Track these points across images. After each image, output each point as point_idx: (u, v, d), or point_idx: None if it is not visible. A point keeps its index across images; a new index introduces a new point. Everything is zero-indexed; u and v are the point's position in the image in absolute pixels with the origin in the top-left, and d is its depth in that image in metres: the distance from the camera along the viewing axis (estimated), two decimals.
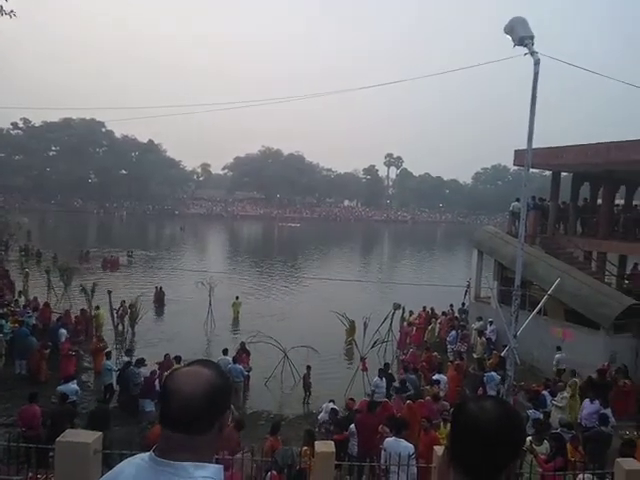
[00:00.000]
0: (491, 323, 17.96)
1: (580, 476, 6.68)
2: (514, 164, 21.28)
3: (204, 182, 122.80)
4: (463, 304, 21.87)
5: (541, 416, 10.21)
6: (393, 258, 56.27)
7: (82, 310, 18.20)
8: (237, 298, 22.45)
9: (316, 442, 5.66)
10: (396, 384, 12.51)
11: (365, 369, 14.33)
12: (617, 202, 21.12)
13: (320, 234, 76.99)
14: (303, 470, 6.40)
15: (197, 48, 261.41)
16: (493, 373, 13.21)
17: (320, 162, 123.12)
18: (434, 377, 13.14)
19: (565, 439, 7.94)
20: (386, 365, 13.84)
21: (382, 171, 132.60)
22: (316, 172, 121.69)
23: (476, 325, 18.62)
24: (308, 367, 14.13)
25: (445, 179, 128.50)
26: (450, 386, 13.38)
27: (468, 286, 21.78)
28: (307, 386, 13.98)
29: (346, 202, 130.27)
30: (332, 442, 5.70)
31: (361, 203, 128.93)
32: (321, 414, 11.43)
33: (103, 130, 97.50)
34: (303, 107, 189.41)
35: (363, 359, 14.56)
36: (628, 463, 5.47)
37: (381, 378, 12.41)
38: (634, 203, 21.13)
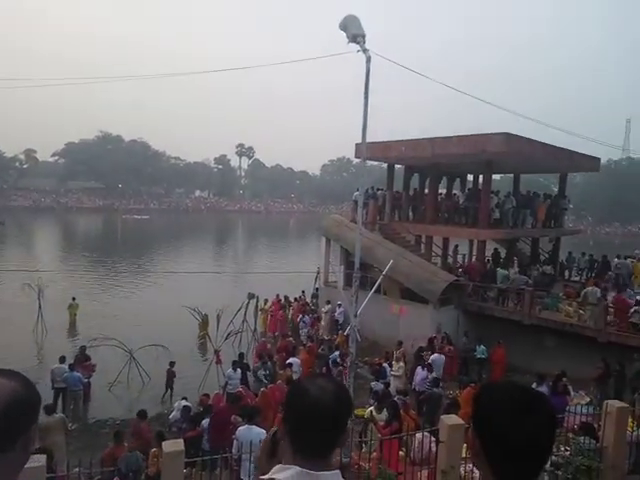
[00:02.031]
0: (340, 305, 19.06)
1: (417, 435, 7.51)
2: (355, 157, 22.77)
3: (29, 170, 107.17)
4: (316, 289, 22.85)
5: (382, 387, 11.22)
6: (247, 248, 56.29)
7: None
8: (74, 299, 20.30)
9: (164, 442, 5.39)
10: (263, 372, 12.70)
11: (219, 362, 14.15)
12: (440, 191, 24.01)
13: (170, 226, 73.44)
14: (157, 473, 6.08)
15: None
16: (337, 352, 14.14)
17: (167, 150, 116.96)
18: (288, 361, 13.54)
19: (399, 405, 8.84)
20: (241, 355, 13.84)
21: (234, 161, 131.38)
22: (163, 161, 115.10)
23: (325, 308, 19.61)
24: (171, 363, 13.66)
25: (296, 170, 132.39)
26: (303, 368, 13.92)
27: (318, 272, 22.82)
28: (171, 381, 13.54)
29: (197, 192, 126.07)
30: (181, 440, 5.48)
31: (213, 193, 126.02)
32: (173, 413, 11.02)
33: None
34: (146, 91, 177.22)
35: (217, 352, 14.35)
36: (450, 419, 6.25)
37: (234, 369, 12.36)
38: (453, 192, 24.20)
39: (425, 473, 6.50)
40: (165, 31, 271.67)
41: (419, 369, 12.98)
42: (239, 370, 12.45)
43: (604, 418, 6.63)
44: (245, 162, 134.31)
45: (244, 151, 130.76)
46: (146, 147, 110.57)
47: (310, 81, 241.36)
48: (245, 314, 17.70)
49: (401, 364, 13.34)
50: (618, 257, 20.70)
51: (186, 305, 17.34)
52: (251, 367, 13.64)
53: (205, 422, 8.83)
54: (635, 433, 7.27)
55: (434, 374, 12.40)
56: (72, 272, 31.07)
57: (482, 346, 15.13)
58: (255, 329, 18.95)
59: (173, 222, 79.04)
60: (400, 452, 7.50)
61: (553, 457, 5.71)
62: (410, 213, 22.64)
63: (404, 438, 7.66)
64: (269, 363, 13.35)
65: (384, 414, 8.54)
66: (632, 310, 14.18)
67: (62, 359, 12.74)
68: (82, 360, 13.46)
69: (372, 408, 8.75)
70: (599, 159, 23.48)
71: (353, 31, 5.84)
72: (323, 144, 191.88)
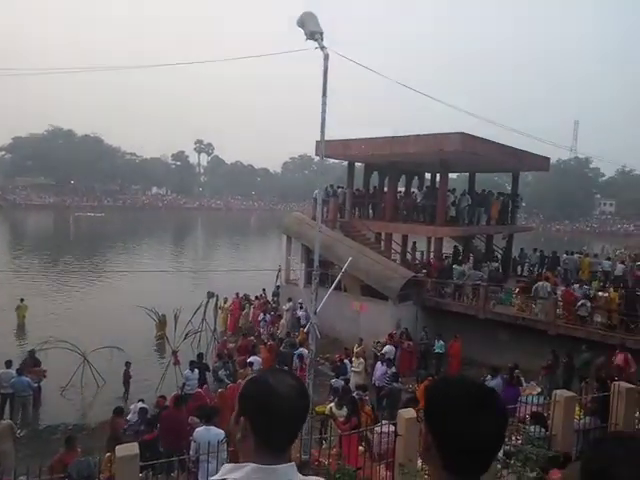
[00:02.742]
0: (301, 303, 19.05)
1: (376, 428, 7.60)
2: (316, 154, 22.76)
3: None
4: (278, 287, 22.76)
5: (342, 383, 11.30)
6: (207, 246, 55.39)
7: None
8: (22, 301, 19.38)
9: (117, 447, 5.23)
10: (224, 372, 12.58)
11: (177, 362, 13.87)
12: (399, 189, 24.38)
13: (126, 224, 71.27)
14: (110, 478, 5.91)
15: None
16: (302, 349, 14.15)
17: (122, 146, 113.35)
18: (249, 359, 13.44)
19: (358, 401, 8.94)
20: (200, 355, 13.62)
21: (192, 158, 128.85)
22: (117, 156, 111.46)
23: (286, 306, 19.56)
24: (127, 363, 13.53)
25: (256, 167, 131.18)
26: (264, 367, 13.85)
27: (279, 270, 22.73)
28: (127, 382, 13.40)
29: (154, 189, 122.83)
30: (136, 444, 5.34)
31: (171, 190, 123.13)
32: (129, 415, 10.72)
33: None
34: (99, 84, 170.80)
35: (175, 353, 14.08)
36: (408, 413, 6.38)
37: (192, 370, 12.15)
38: (412, 190, 24.61)
39: (384, 467, 6.60)
40: (121, 21, 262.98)
41: (379, 364, 13.16)
42: (197, 370, 12.23)
43: (553, 407, 6.93)
44: (204, 159, 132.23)
45: (203, 147, 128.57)
46: (99, 142, 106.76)
47: (271, 77, 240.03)
48: (204, 313, 17.41)
49: (361, 360, 13.49)
50: (566, 253, 21.69)
51: (142, 305, 16.91)
52: (210, 367, 13.45)
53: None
54: (582, 421, 7.63)
55: (393, 369, 12.60)
56: (21, 272, 29.68)
57: (441, 341, 15.48)
58: (215, 328, 18.67)
59: (129, 220, 76.77)
60: (360, 447, 7.58)
61: (506, 447, 5.93)
62: (370, 211, 22.86)
63: (363, 433, 7.76)
64: (230, 363, 13.20)
65: (344, 410, 8.61)
66: (579, 303, 14.87)
67: (8, 363, 12.18)
68: (31, 364, 12.89)
69: (332, 404, 8.80)
70: (549, 159, 24.47)
71: (311, 28, 5.83)
72: (285, 141, 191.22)
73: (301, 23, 5.87)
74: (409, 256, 24.07)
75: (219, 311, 19.94)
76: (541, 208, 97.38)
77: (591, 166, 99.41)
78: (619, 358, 12.33)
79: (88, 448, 8.99)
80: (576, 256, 21.18)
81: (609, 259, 22.27)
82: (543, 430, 6.88)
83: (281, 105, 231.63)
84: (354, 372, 13.21)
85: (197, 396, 10.18)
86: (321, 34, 5.88)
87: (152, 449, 7.79)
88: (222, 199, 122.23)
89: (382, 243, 22.18)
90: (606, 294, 15.34)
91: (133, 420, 10.38)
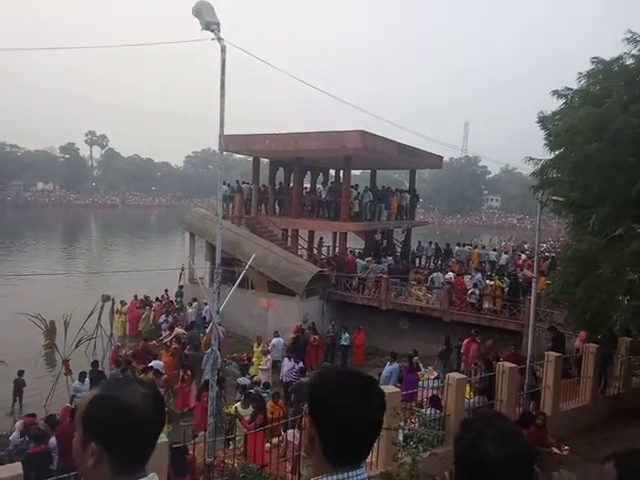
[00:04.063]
0: (207, 303, 18.51)
1: (289, 431, 7.61)
2: (218, 149, 22.22)
3: None
4: (181, 287, 21.91)
5: (249, 382, 11.19)
6: (102, 246, 51.74)
7: None
8: None
9: None
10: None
11: (69, 372, 12.82)
12: (305, 185, 24.64)
13: (7, 223, 64.29)
14: None
15: None
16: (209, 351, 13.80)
17: (1, 137, 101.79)
18: (150, 364, 12.80)
19: (264, 398, 8.90)
20: (94, 363, 12.70)
21: (84, 150, 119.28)
22: None
23: (189, 308, 18.93)
24: (20, 371, 12.58)
25: (156, 161, 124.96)
26: (167, 371, 13.27)
27: (182, 269, 21.90)
28: (20, 392, 12.48)
29: (40, 185, 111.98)
30: (19, 464, 4.85)
31: (59, 186, 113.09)
32: (13, 434, 9.69)
33: None
34: None
35: (65, 362, 12.99)
36: None
37: (82, 381, 11.28)
38: (317, 186, 25.01)
39: (290, 462, 6.64)
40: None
41: (286, 360, 13.21)
42: (88, 381, 11.37)
43: (447, 390, 7.44)
44: (97, 151, 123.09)
45: (96, 139, 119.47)
46: None
47: (172, 66, 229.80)
48: (99, 318, 16.23)
49: (268, 357, 13.45)
50: (458, 245, 23.42)
51: (26, 312, 15.40)
52: (107, 375, 12.59)
53: (53, 440, 7.92)
54: (472, 400, 8.29)
55: (301, 364, 12.72)
56: None
57: (346, 333, 15.92)
58: (111, 334, 17.46)
59: (10, 218, 69.38)
60: (267, 444, 7.55)
61: (404, 431, 6.25)
62: (276, 207, 22.85)
63: (274, 428, 7.75)
64: (129, 369, 12.44)
65: (250, 409, 8.52)
66: (469, 292, 16.12)
67: None
68: None
69: (237, 404, 8.66)
70: (442, 157, 26.20)
71: (207, 18, 5.62)
72: (186, 134, 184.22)
73: (196, 12, 5.65)
74: (315, 251, 24.43)
75: (116, 315, 18.70)
76: (436, 203, 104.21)
77: (480, 164, 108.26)
78: (466, 345, 13.72)
79: None
80: (467, 248, 22.93)
81: (495, 250, 24.42)
82: (438, 412, 7.36)
83: (184, 97, 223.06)
84: (261, 370, 13.15)
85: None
86: (218, 25, 5.71)
87: (40, 466, 7.11)
88: (118, 195, 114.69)
89: (289, 239, 22.29)
90: (492, 282, 16.77)
91: (18, 439, 9.42)
